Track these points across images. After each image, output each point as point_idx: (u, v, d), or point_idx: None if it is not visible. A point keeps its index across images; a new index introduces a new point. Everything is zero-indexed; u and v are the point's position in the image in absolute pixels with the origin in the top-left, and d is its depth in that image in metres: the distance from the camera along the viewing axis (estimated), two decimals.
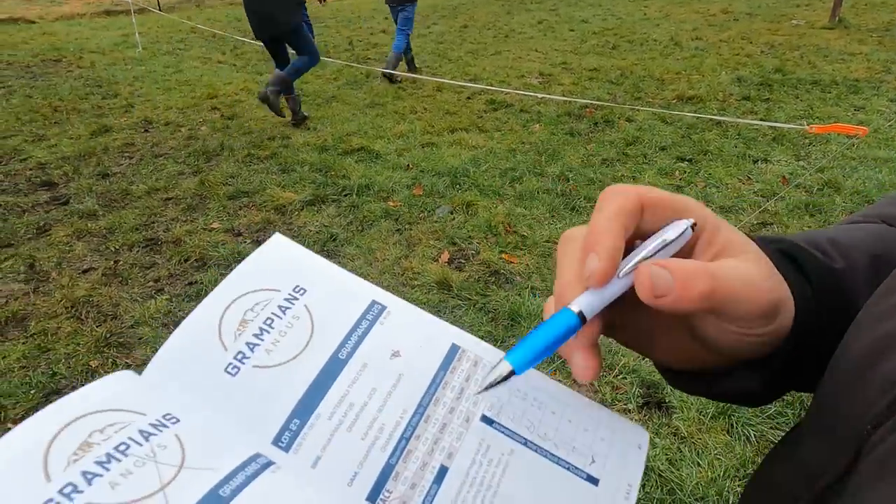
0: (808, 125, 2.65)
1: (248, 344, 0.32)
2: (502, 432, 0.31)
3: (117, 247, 2.45)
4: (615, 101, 4.25)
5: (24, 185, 3.06)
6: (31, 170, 3.27)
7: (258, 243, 2.70)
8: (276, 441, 0.29)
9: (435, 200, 2.80)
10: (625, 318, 0.30)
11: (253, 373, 0.31)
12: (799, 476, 0.29)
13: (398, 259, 2.32)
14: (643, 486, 1.33)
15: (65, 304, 2.08)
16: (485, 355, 0.34)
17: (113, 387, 0.29)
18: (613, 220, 0.26)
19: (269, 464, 0.27)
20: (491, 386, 0.29)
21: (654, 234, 0.28)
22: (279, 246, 0.37)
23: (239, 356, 0.32)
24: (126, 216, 2.71)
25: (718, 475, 1.35)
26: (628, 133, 3.58)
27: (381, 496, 0.28)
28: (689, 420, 1.51)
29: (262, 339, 0.32)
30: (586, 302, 0.26)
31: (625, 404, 1.58)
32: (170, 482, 0.25)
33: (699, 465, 1.38)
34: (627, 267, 0.26)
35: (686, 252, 0.28)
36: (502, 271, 2.20)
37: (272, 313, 0.34)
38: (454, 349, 0.35)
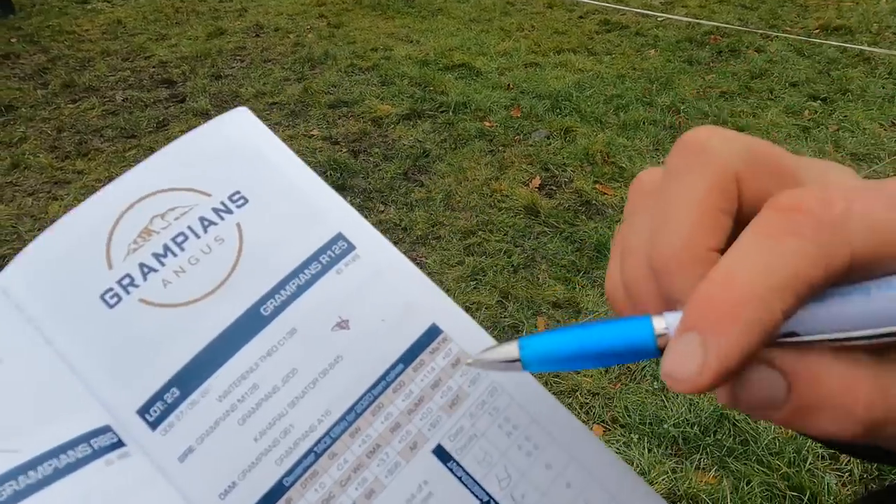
0: None
1: (141, 266, 0.23)
2: (458, 478, 0.22)
3: None
4: (746, 27, 3.83)
5: (148, 81, 3.27)
6: (153, 67, 3.48)
7: (354, 153, 2.75)
8: (144, 411, 0.21)
9: (532, 123, 2.71)
10: None
11: (137, 309, 0.22)
12: None
13: (488, 180, 2.29)
14: (714, 430, 1.29)
15: None
16: (474, 351, 0.23)
17: None
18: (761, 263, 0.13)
19: (115, 446, 0.20)
20: (483, 363, 0.19)
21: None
22: (238, 125, 0.26)
23: (125, 281, 0.23)
24: None
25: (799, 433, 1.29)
26: (756, 64, 3.23)
27: None
28: None
29: (163, 263, 0.23)
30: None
31: None
32: None
33: None
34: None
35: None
36: (594, 202, 2.13)
37: (189, 227, 0.24)
38: (433, 332, 0.24)
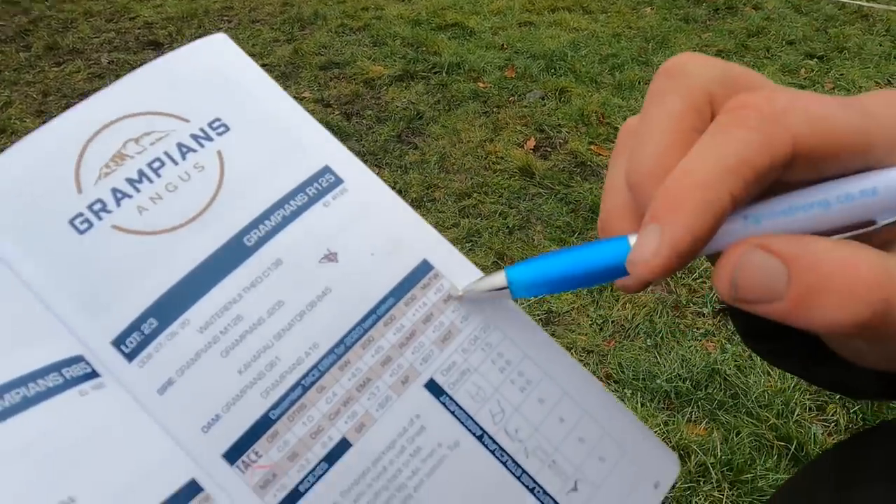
0: None
1: (113, 191, 0.22)
2: (451, 412, 0.22)
3: None
4: None
5: (133, 43, 3.20)
6: (139, 28, 3.39)
7: (347, 115, 2.72)
8: (119, 343, 0.20)
9: (527, 84, 2.68)
10: None
11: (109, 235, 0.21)
12: None
13: (482, 142, 2.28)
14: (705, 385, 1.32)
15: None
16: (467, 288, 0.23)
17: None
18: (715, 158, 0.14)
19: (88, 376, 0.20)
20: (474, 294, 0.21)
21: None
22: (217, 52, 0.25)
23: (96, 206, 0.22)
24: None
25: (788, 387, 1.32)
26: (753, 22, 3.19)
27: (244, 457, 0.20)
28: None
29: (139, 189, 0.22)
30: None
31: (700, 308, 1.54)
32: None
33: (769, 374, 1.35)
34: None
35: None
36: (589, 163, 2.12)
37: (165, 153, 0.23)
38: (423, 268, 0.24)
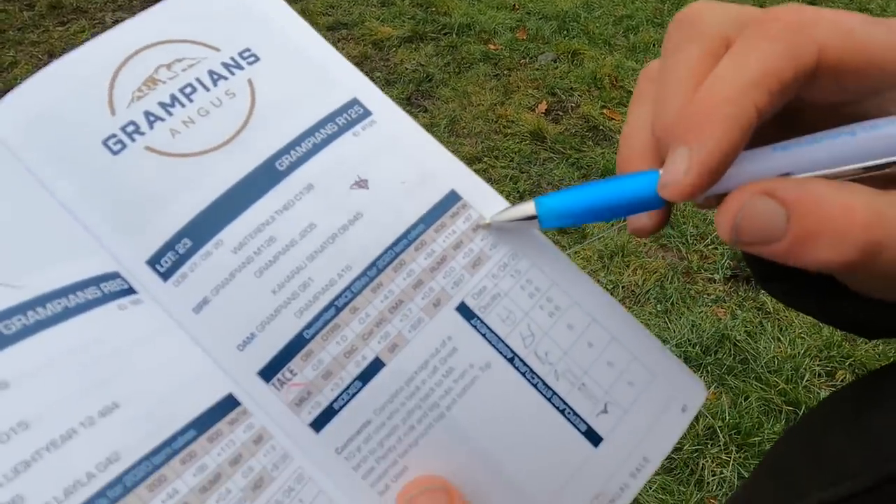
0: None
1: (146, 114, 0.22)
2: (483, 335, 0.22)
3: None
4: None
5: (137, 2, 3.14)
6: None
7: None
8: (154, 262, 0.21)
9: (539, 46, 2.63)
10: None
11: (142, 157, 0.22)
12: (862, 446, 0.19)
13: (493, 105, 2.25)
14: (714, 350, 1.33)
15: None
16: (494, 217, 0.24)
17: None
18: (741, 89, 0.15)
19: (126, 292, 0.20)
20: (502, 222, 0.22)
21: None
22: None
23: (129, 129, 0.22)
24: None
25: (798, 352, 1.32)
26: None
27: (279, 375, 0.20)
28: None
29: (171, 113, 0.23)
30: None
31: (711, 274, 1.54)
32: None
33: (779, 340, 1.35)
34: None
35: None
36: (601, 127, 2.09)
37: (197, 79, 0.23)
38: (452, 198, 0.24)
